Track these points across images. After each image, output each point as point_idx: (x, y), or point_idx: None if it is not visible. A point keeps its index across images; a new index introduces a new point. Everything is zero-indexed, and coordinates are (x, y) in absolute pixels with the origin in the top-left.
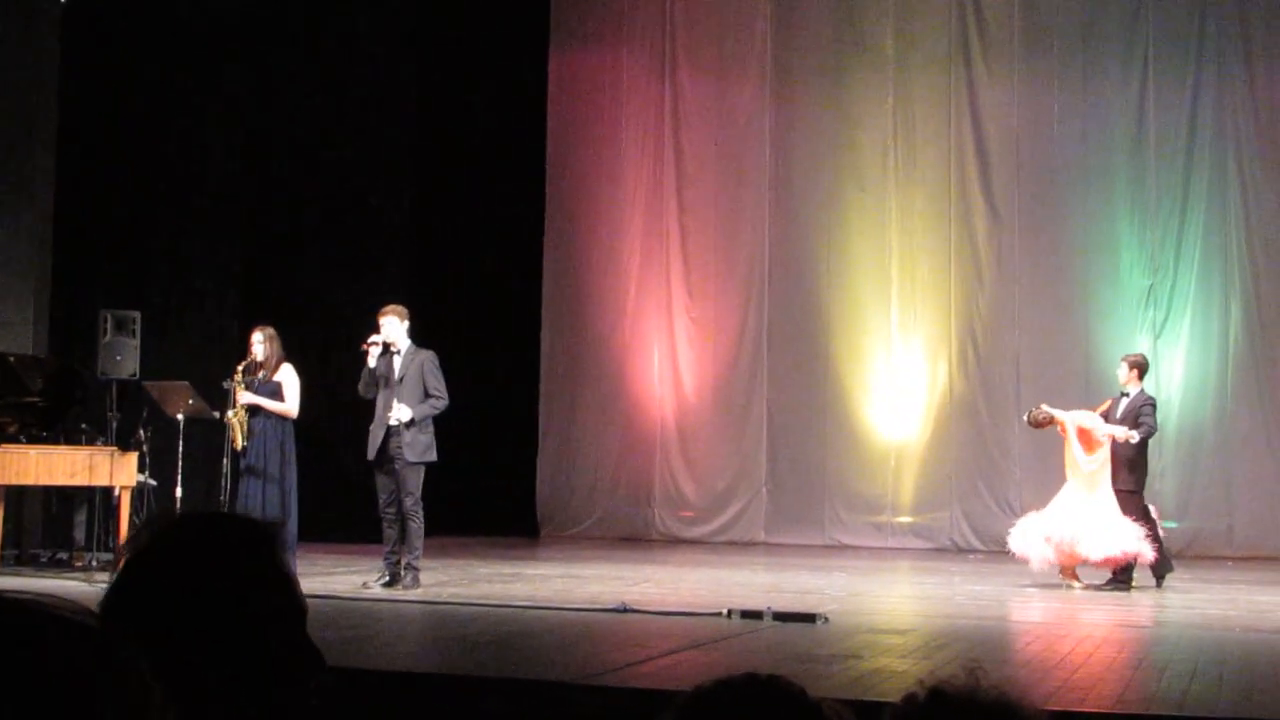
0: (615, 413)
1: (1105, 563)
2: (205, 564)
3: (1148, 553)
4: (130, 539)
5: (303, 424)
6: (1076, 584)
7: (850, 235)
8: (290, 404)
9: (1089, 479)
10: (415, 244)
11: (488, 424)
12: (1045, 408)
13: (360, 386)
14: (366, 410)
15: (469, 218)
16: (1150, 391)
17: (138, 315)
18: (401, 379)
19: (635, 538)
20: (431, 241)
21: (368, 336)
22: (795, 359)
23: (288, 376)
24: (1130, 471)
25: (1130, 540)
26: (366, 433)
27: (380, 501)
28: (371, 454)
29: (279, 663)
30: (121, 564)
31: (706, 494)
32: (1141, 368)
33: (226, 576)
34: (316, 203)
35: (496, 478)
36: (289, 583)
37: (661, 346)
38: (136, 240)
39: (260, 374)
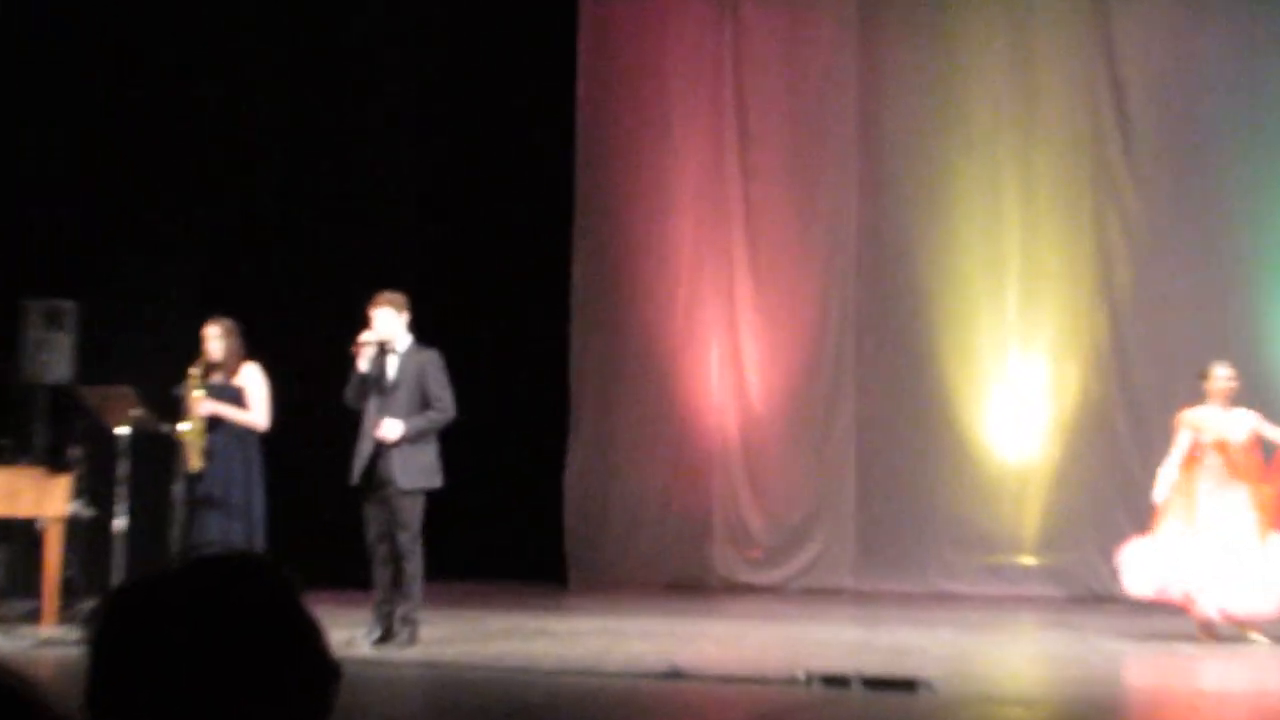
0: (664, 427)
1: None
2: (219, 621)
3: None
4: (111, 593)
5: (272, 440)
6: (1259, 636)
7: (957, 205)
8: (256, 413)
9: (1235, 505)
10: (416, 226)
11: (503, 441)
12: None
13: (347, 393)
14: (352, 423)
15: (483, 193)
16: None
17: (72, 306)
18: (396, 384)
19: (689, 584)
20: (436, 223)
21: (358, 333)
22: (890, 359)
23: (252, 380)
24: None
25: None
26: (351, 451)
27: (369, 537)
28: (356, 477)
29: None
30: (99, 621)
31: (779, 528)
32: None
33: (248, 640)
34: (299, 170)
35: (514, 507)
36: (318, 642)
37: (722, 345)
38: (72, 216)
39: (218, 377)
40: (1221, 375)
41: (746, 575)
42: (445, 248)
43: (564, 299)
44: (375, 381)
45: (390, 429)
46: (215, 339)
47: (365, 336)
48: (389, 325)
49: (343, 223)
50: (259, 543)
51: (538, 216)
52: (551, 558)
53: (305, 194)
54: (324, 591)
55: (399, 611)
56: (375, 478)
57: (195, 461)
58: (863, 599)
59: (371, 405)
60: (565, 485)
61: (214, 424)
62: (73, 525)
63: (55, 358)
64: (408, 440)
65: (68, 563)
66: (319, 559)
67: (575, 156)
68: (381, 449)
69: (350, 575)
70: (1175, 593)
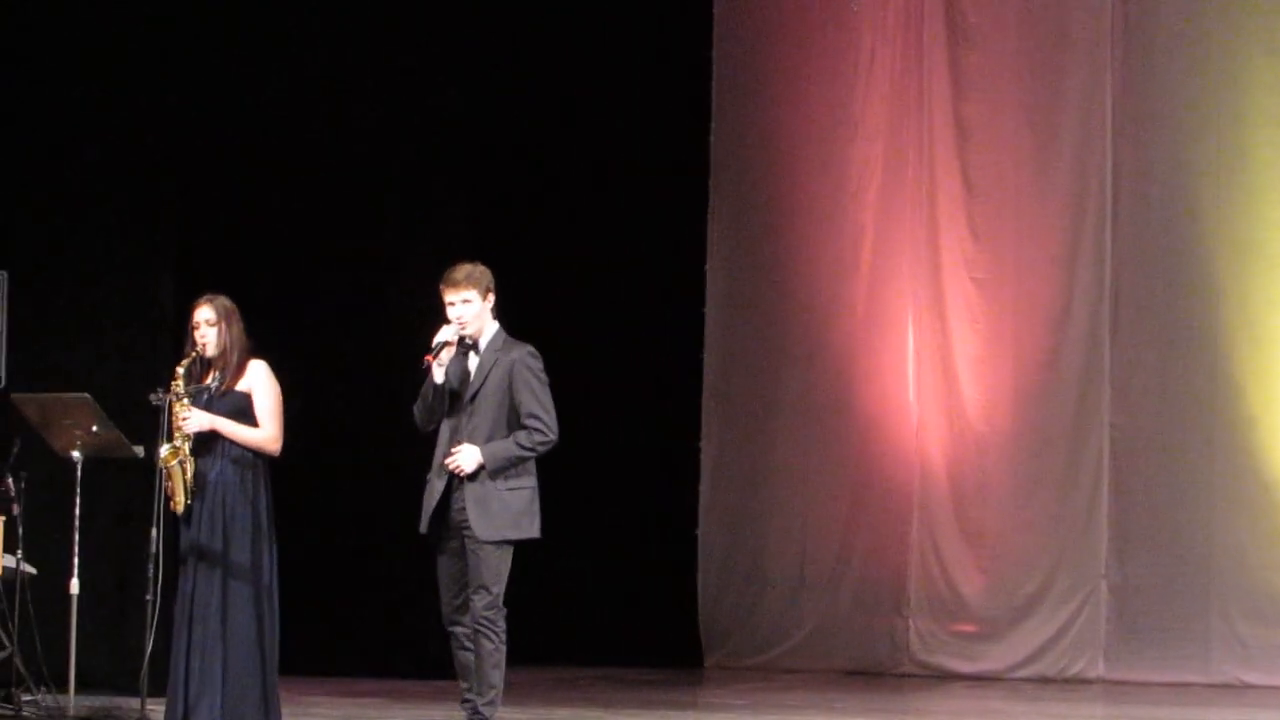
0: (837, 451)
1: None
2: None
3: None
4: None
5: (287, 468)
6: None
7: (1256, 134)
8: (266, 429)
9: None
10: (487, 172)
11: (611, 474)
12: None
13: (417, 411)
14: (405, 442)
15: (581, 130)
16: None
17: (3, 276)
18: (476, 395)
19: (873, 670)
20: (514, 169)
21: (434, 334)
22: (1161, 353)
23: (260, 381)
24: None
25: None
26: (412, 487)
27: (444, 603)
28: (425, 524)
29: None
30: None
31: (1002, 594)
32: None
33: None
34: (319, 95)
35: (629, 565)
36: None
37: (922, 332)
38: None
39: (213, 378)
40: None
41: (955, 659)
42: (529, 208)
43: (696, 274)
44: (452, 393)
45: (467, 457)
46: (209, 324)
47: (444, 336)
48: (476, 315)
49: (379, 164)
50: (270, 612)
51: (659, 166)
52: (681, 634)
53: (324, 118)
54: (368, 680)
55: (476, 703)
56: (446, 524)
57: (180, 499)
58: (1119, 692)
59: (446, 427)
60: (700, 534)
61: (205, 444)
62: (8, 585)
63: None
64: (489, 474)
65: (5, 631)
66: (366, 636)
67: (712, 73)
68: (454, 484)
69: (409, 657)
70: None
